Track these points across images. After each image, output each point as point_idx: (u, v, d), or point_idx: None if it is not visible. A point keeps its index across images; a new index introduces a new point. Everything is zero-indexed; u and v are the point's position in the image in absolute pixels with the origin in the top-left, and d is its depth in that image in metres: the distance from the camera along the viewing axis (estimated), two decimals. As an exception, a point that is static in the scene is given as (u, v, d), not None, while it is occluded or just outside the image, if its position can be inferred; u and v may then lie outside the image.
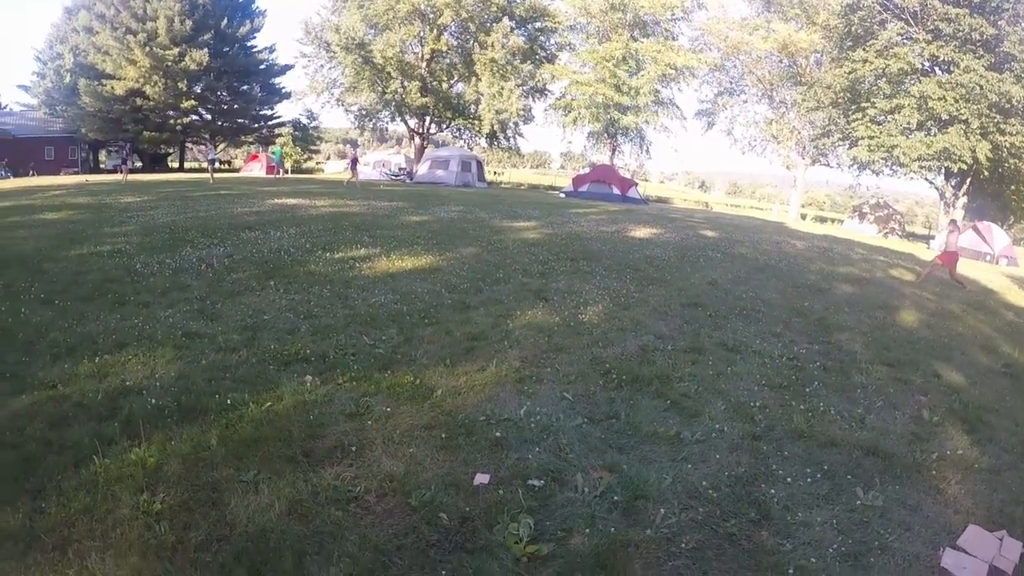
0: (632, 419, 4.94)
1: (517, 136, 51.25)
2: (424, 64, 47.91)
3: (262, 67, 56.47)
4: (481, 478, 3.96)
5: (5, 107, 66.09)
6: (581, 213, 22.05)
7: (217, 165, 40.73)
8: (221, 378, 5.29)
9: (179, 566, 3.10)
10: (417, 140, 51.40)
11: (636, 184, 38.71)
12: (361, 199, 21.06)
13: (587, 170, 43.14)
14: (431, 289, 8.69)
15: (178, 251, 10.44)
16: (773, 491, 4.06)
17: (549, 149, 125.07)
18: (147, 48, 47.20)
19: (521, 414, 4.86)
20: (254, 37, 56.30)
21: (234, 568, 3.10)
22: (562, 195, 35.71)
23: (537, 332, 7.03)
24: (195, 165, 60.74)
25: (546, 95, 50.75)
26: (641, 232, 17.17)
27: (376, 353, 6.06)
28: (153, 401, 4.75)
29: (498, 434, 4.53)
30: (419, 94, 46.61)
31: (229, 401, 4.78)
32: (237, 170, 52.60)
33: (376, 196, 23.00)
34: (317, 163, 67.34)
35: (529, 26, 47.91)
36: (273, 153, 45.50)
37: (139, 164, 51.41)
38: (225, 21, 51.78)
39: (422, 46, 47.66)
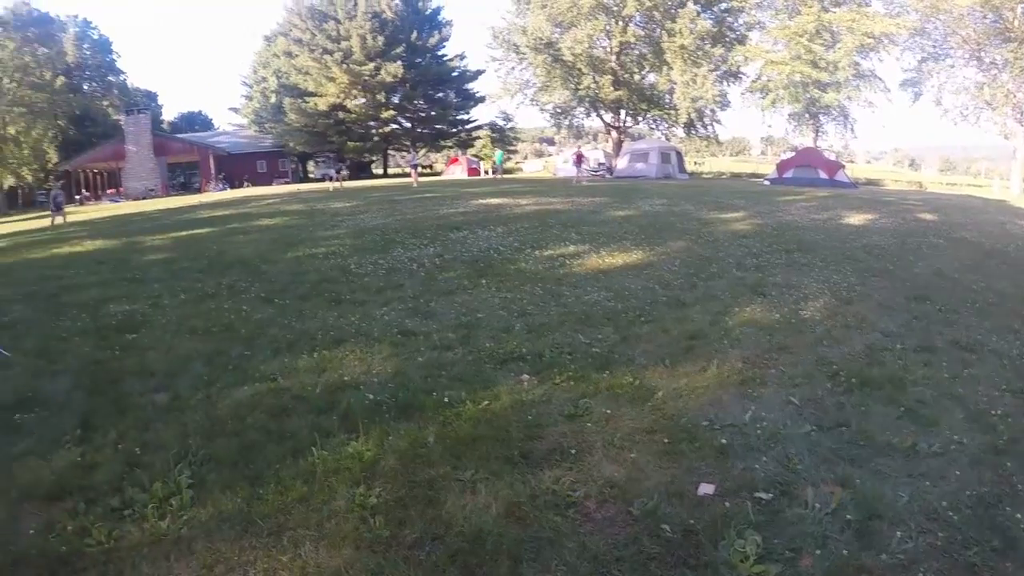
0: (863, 427, 4.55)
1: (715, 123, 49.71)
2: (614, 57, 47.75)
3: (455, 74, 59.95)
4: (706, 488, 3.74)
5: (219, 128, 76.05)
6: (789, 200, 20.75)
7: (420, 169, 42.92)
8: (437, 375, 5.43)
9: (392, 561, 3.14)
10: (614, 134, 51.29)
11: (843, 166, 36.08)
12: (563, 196, 21.15)
13: (790, 154, 41.05)
14: (644, 286, 8.51)
15: (389, 252, 11.01)
16: (1019, 515, 3.60)
17: (747, 135, 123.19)
18: (344, 65, 51.91)
19: (746, 419, 4.58)
20: (444, 46, 60.03)
21: (448, 568, 3.10)
22: (766, 182, 34.11)
23: (757, 330, 6.69)
24: (398, 171, 64.80)
25: (741, 79, 48.60)
26: (855, 218, 15.99)
27: (593, 352, 5.98)
28: (371, 396, 4.95)
29: (723, 441, 4.29)
30: (612, 88, 46.49)
31: (446, 399, 4.88)
32: (439, 173, 55.55)
33: (578, 192, 23.05)
34: (516, 163, 69.35)
35: (715, 8, 46.11)
36: (494, 156, 46.89)
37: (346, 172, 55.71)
38: (415, 34, 55.50)
39: (609, 39, 47.47)
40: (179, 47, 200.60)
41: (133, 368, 6.16)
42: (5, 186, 50.48)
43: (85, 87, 64.78)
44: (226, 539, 3.34)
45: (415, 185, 30.75)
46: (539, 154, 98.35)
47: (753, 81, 48.21)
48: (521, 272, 9.29)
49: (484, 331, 6.63)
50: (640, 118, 52.21)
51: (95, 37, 69.19)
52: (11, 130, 48.74)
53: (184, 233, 16.51)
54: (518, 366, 5.63)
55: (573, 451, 4.13)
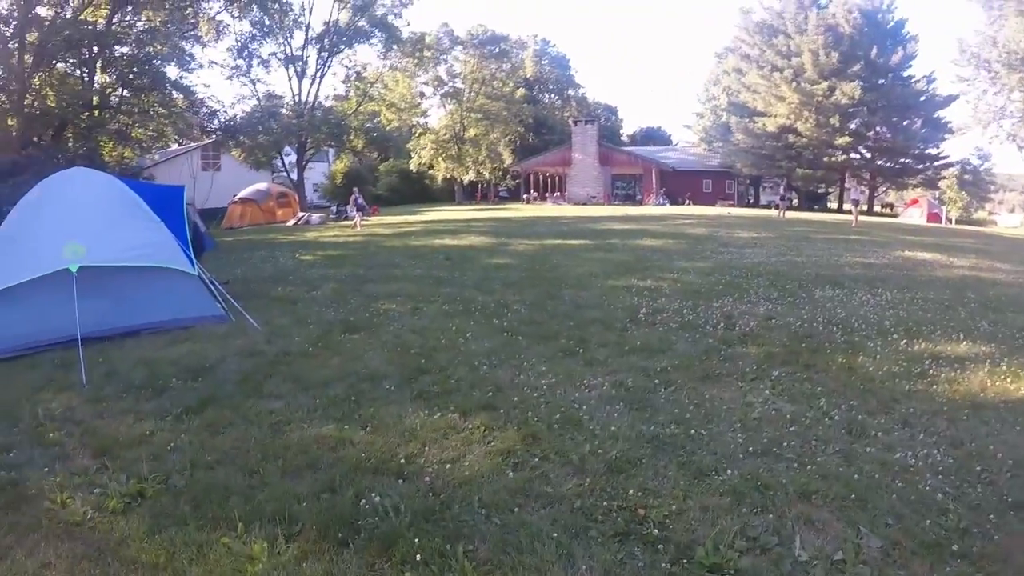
0: None
1: None
2: None
3: (922, 99, 51.27)
4: None
5: (677, 144, 79.02)
6: None
7: (860, 207, 38.24)
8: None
9: None
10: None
11: None
12: (1019, 263, 15.96)
13: None
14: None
15: (715, 300, 9.15)
16: None
17: None
18: (794, 84, 48.89)
19: None
20: (909, 66, 52.07)
21: None
22: None
23: None
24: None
25: None
26: None
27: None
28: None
29: None
30: None
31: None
32: (896, 216, 48.58)
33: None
34: (989, 213, 57.89)
35: None
36: None
37: (794, 202, 52.43)
38: (874, 50, 48.91)
39: None
40: (647, 64, 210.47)
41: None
42: (465, 180, 59.64)
43: (545, 99, 75.26)
44: None
45: (853, 225, 26.74)
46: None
47: None
48: (848, 371, 6.12)
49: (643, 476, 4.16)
50: None
51: (553, 54, 78.97)
52: (471, 132, 58.30)
53: (553, 242, 16.42)
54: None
55: None
